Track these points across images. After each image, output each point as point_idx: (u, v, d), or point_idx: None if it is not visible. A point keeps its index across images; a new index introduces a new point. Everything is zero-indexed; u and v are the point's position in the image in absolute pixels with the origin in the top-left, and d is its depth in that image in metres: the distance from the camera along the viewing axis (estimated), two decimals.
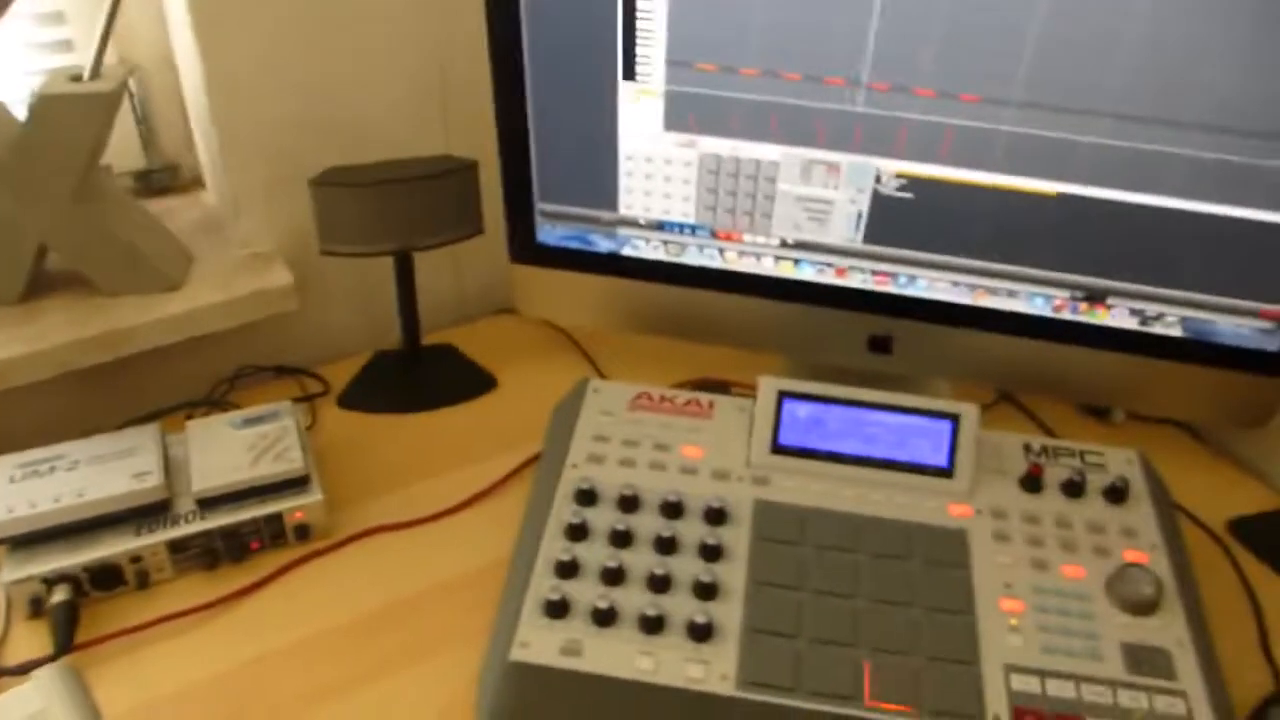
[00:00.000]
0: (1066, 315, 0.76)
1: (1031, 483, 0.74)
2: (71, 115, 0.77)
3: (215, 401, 0.89)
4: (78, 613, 0.70)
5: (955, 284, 0.77)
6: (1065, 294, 0.75)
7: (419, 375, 0.96)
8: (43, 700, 0.54)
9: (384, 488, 0.83)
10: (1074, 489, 0.74)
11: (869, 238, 0.76)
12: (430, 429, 0.90)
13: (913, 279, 0.78)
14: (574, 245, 0.82)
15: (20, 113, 0.79)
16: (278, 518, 0.75)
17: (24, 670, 0.65)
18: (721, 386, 0.93)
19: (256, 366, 0.95)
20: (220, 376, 0.92)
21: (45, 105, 0.76)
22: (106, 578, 0.71)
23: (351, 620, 0.72)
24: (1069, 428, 0.93)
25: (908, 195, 0.73)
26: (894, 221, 0.75)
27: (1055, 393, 0.81)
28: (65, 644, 0.67)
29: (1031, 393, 0.86)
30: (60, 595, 0.69)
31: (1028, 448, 0.77)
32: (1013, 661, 0.64)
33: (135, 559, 0.72)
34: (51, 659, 0.66)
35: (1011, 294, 0.76)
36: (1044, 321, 0.77)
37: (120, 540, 0.72)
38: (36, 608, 0.70)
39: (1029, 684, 0.63)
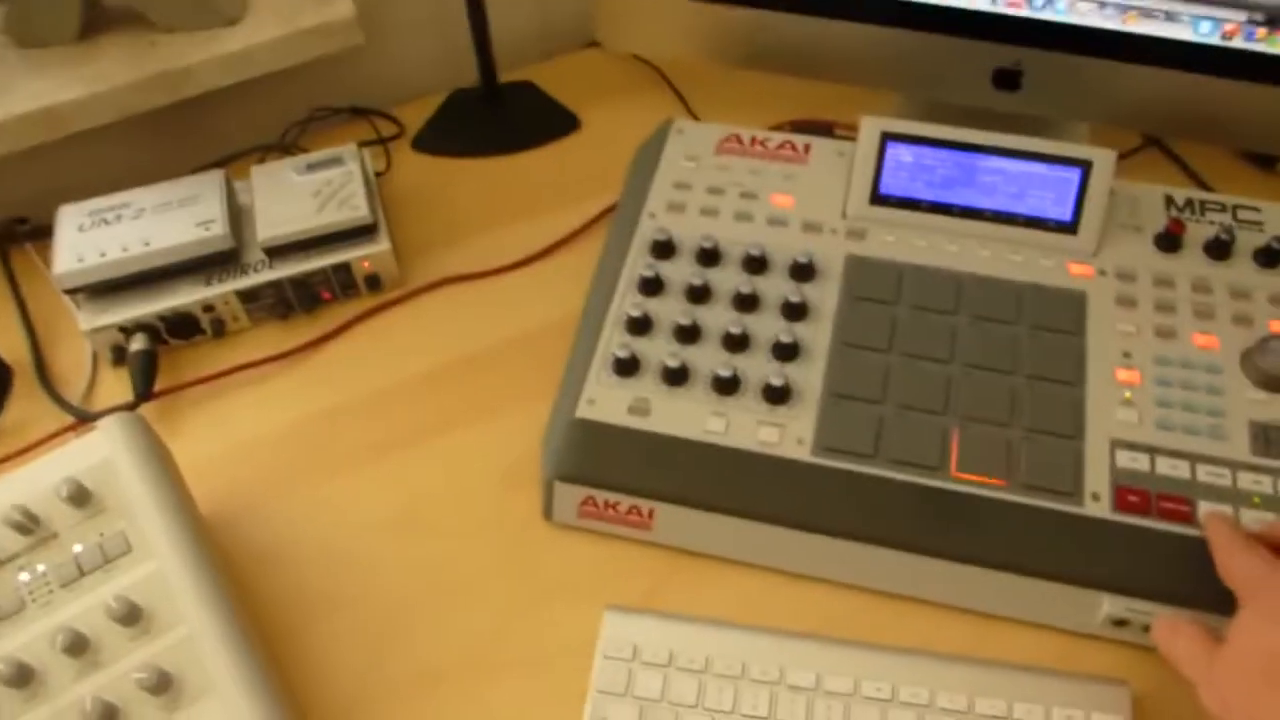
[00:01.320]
0: (1238, 43, 0.65)
1: (1169, 241, 0.66)
2: None
3: (285, 146, 0.87)
4: (156, 360, 0.71)
5: (1102, 5, 0.66)
6: (1241, 16, 0.64)
7: (497, 115, 0.91)
8: (109, 448, 0.56)
9: (458, 236, 0.80)
10: (1219, 249, 0.66)
11: None
12: (508, 173, 0.86)
13: (1051, 0, 0.67)
14: None
15: None
16: (346, 267, 0.74)
17: (124, 409, 0.68)
18: (824, 129, 0.85)
19: (329, 109, 0.91)
20: (291, 120, 0.90)
21: None
22: (183, 326, 0.72)
23: (422, 373, 0.72)
24: (1225, 179, 0.82)
25: None
26: None
27: (1214, 137, 0.71)
28: (144, 391, 0.69)
29: (1185, 137, 0.76)
30: (138, 344, 0.71)
31: (1170, 201, 0.69)
32: (1121, 437, 0.59)
33: (208, 308, 0.72)
34: (132, 406, 0.68)
35: (1171, 17, 0.65)
36: (1209, 51, 0.66)
37: (192, 289, 0.72)
38: (119, 356, 0.72)
39: (1136, 461, 0.58)
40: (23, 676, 0.50)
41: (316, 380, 0.72)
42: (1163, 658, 0.51)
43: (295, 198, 0.74)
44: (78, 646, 0.50)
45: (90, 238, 0.72)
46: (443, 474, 0.66)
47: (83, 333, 0.71)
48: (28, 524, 0.53)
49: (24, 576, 0.53)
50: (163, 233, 0.71)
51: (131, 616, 0.51)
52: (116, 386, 0.72)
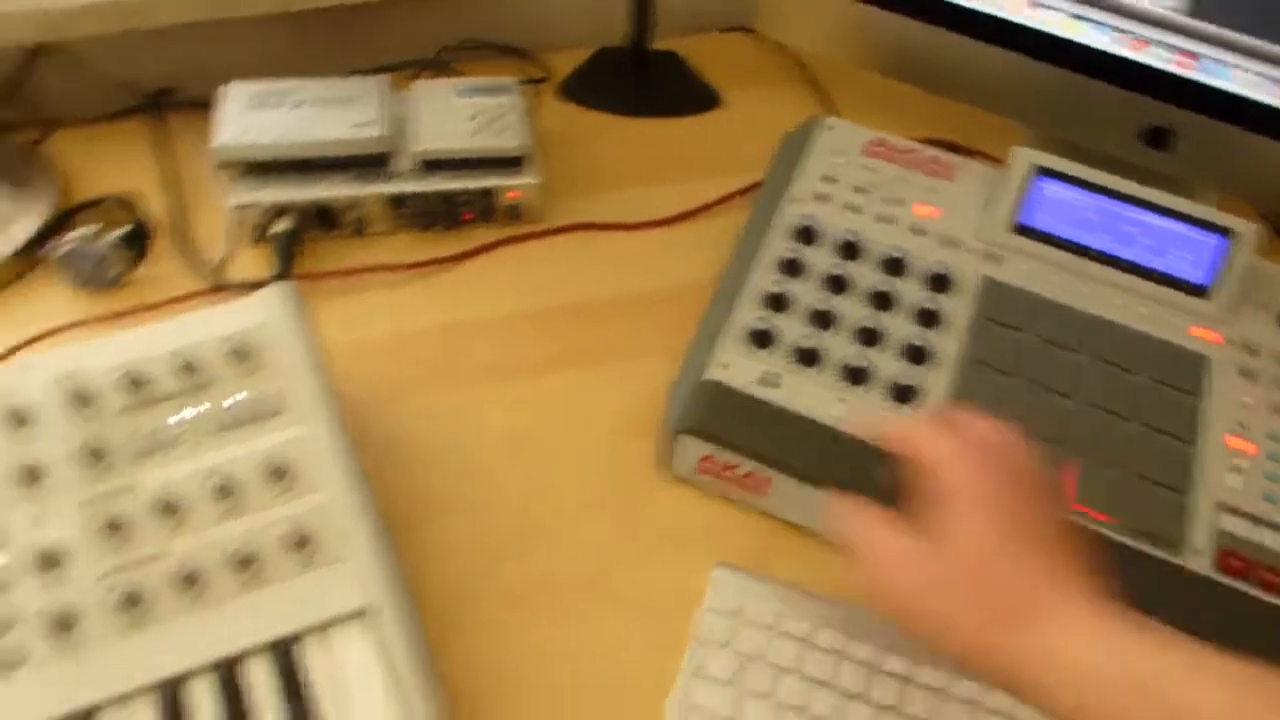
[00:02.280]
0: None
1: None
2: None
3: (439, 64, 0.90)
4: (297, 245, 0.74)
5: (1276, 80, 0.69)
6: None
7: (643, 79, 0.94)
8: (266, 314, 0.58)
9: (595, 186, 0.83)
10: None
11: (1194, 8, 0.68)
12: (647, 136, 0.89)
13: (1221, 66, 0.70)
14: None
15: None
16: (492, 193, 0.76)
17: (248, 288, 0.70)
18: (958, 151, 0.88)
19: (479, 42, 0.94)
20: (442, 44, 0.92)
21: None
22: (325, 219, 0.75)
23: (548, 308, 0.74)
24: None
25: None
26: None
27: None
28: (284, 271, 0.72)
29: None
30: (284, 225, 0.73)
31: None
32: (1227, 501, 0.62)
33: (353, 206, 0.75)
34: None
35: None
36: None
37: (342, 185, 0.75)
38: (259, 234, 0.75)
39: (1241, 527, 0.61)
40: (169, 509, 0.52)
41: (448, 295, 0.74)
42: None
43: (454, 116, 0.77)
44: (225, 490, 0.53)
45: (253, 117, 0.74)
46: (561, 408, 0.68)
47: (229, 207, 0.73)
48: (186, 371, 0.56)
49: (180, 416, 0.55)
50: (322, 125, 0.74)
51: (278, 473, 0.54)
52: (249, 263, 0.75)
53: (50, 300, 0.73)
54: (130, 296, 0.73)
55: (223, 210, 0.76)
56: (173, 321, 0.59)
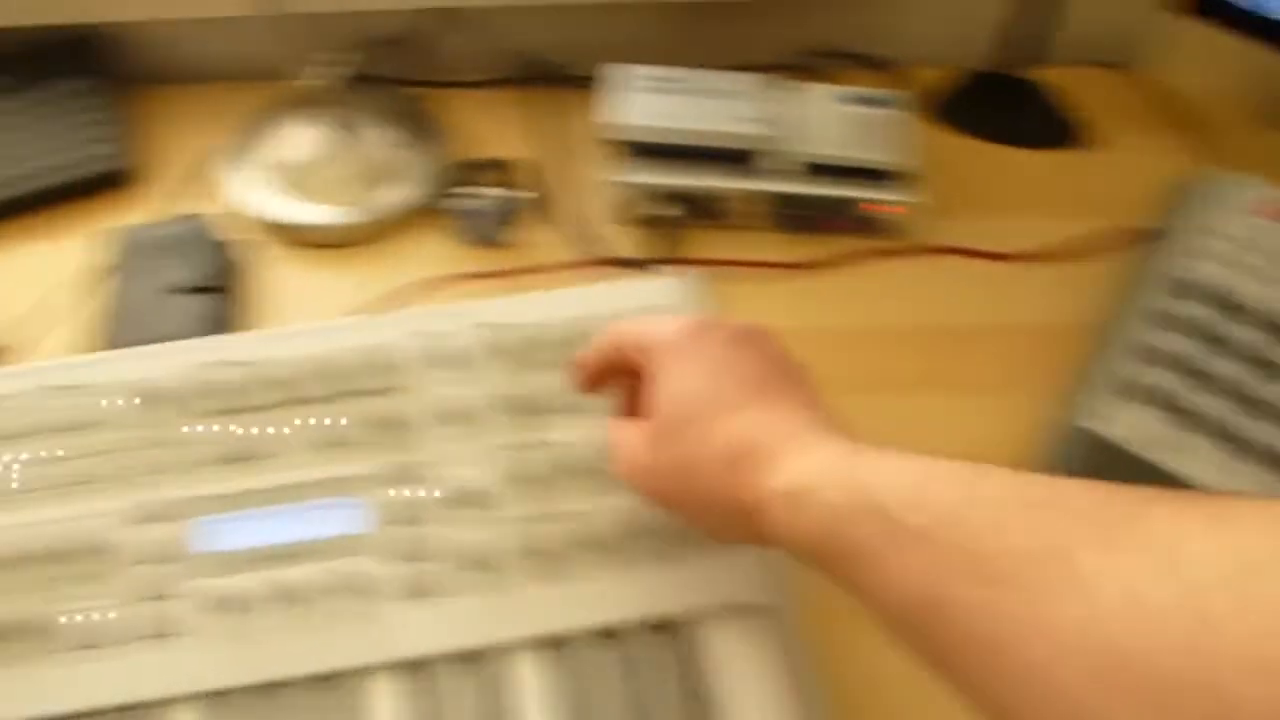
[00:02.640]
0: None
1: None
2: None
3: (801, 68, 0.90)
4: (681, 230, 0.76)
5: None
6: None
7: (1009, 106, 0.91)
8: (670, 297, 0.60)
9: (957, 209, 0.81)
10: None
11: None
12: (1011, 165, 0.87)
13: None
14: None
15: None
16: (868, 204, 0.76)
17: (629, 265, 0.73)
18: None
19: (837, 50, 0.94)
20: (805, 48, 0.93)
21: None
22: (703, 208, 0.77)
23: (912, 327, 0.74)
24: None
25: None
26: None
27: None
28: (670, 254, 0.74)
29: None
30: (670, 209, 0.76)
31: None
32: None
33: (731, 198, 0.76)
34: (641, 265, 0.74)
35: None
36: None
37: (725, 177, 0.76)
38: (637, 215, 0.77)
39: None
40: (584, 470, 0.55)
41: (810, 300, 0.75)
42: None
43: (840, 123, 0.77)
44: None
45: (648, 100, 0.77)
46: (928, 430, 0.66)
47: (615, 183, 0.76)
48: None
49: None
50: (712, 116, 0.76)
51: None
52: (622, 241, 0.77)
53: (434, 250, 0.78)
54: (509, 258, 0.77)
55: (595, 186, 0.79)
56: (579, 290, 0.62)
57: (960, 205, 0.82)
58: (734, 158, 0.77)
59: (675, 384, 0.45)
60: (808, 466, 0.40)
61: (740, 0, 0.84)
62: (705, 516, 0.45)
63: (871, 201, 0.76)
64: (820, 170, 0.76)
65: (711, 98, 0.78)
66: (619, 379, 0.52)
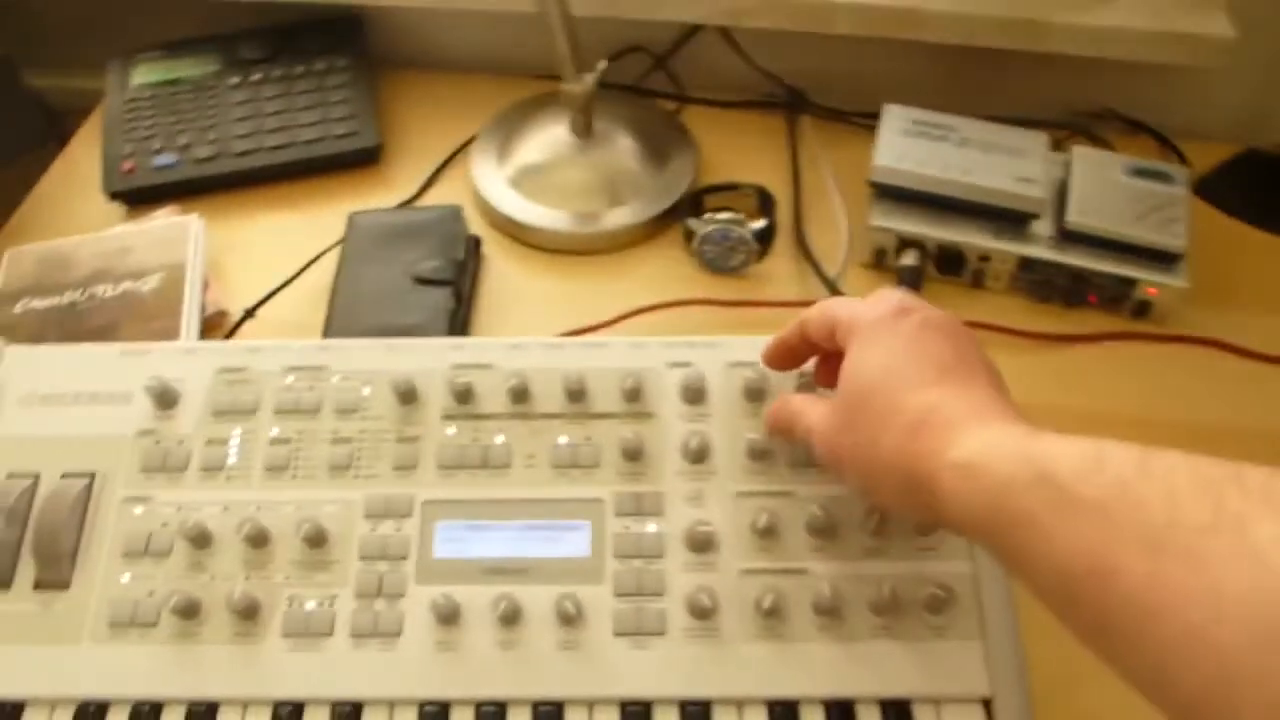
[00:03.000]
0: None
1: None
2: None
3: (1076, 127, 0.86)
4: (921, 281, 0.73)
5: None
6: None
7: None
8: None
9: (1223, 300, 0.76)
10: None
11: None
12: None
13: None
14: None
15: None
16: (1130, 284, 0.72)
17: None
18: None
19: (1115, 113, 0.89)
20: (1081, 109, 0.88)
21: None
22: (949, 262, 0.74)
23: (1162, 420, 0.69)
24: None
25: None
26: None
27: None
28: None
29: None
30: (911, 259, 0.73)
31: None
32: None
33: (983, 258, 0.73)
34: None
35: None
36: None
37: (977, 233, 0.73)
38: (879, 260, 0.75)
39: None
40: (822, 529, 0.53)
41: (1051, 374, 0.71)
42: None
43: (1114, 195, 0.73)
44: (877, 526, 0.52)
45: (913, 145, 0.74)
46: None
47: (868, 226, 0.74)
48: None
49: None
50: (981, 171, 0.73)
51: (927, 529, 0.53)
52: (863, 284, 0.75)
53: (668, 269, 0.77)
54: (744, 289, 0.75)
55: (840, 223, 0.77)
56: None
57: (1226, 295, 0.77)
58: (998, 216, 0.73)
59: (868, 358, 0.46)
60: (983, 440, 0.41)
61: (1016, 50, 0.80)
62: (883, 486, 0.45)
63: (1136, 281, 0.72)
64: (1080, 239, 0.72)
65: (985, 151, 0.74)
66: (813, 355, 0.54)
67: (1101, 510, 0.35)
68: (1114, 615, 0.34)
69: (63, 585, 0.53)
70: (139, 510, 0.55)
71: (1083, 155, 0.76)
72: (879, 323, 0.47)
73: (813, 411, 0.50)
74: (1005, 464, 0.39)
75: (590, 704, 0.50)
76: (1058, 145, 0.78)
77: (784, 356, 0.55)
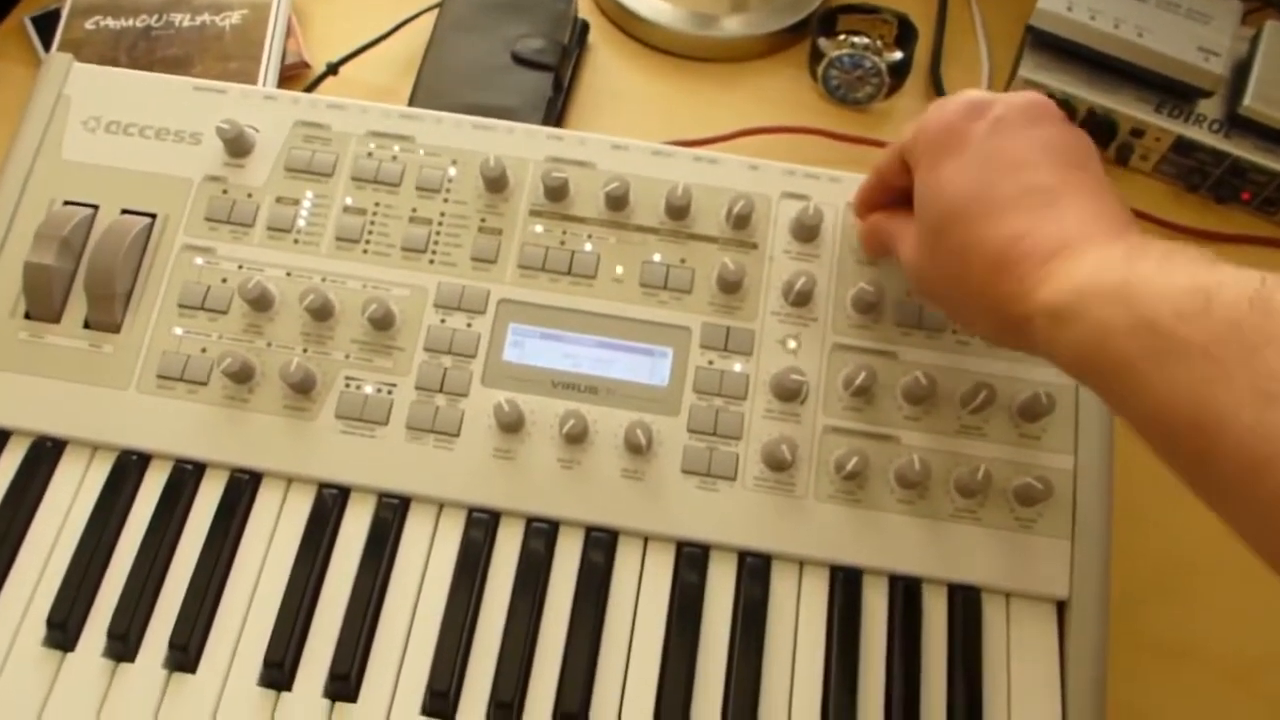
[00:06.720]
0: None
1: None
2: None
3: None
4: None
5: None
6: None
7: None
8: None
9: None
10: None
11: None
12: None
13: None
14: None
15: None
16: None
17: None
18: None
19: None
20: None
21: None
22: (1099, 130, 0.67)
23: None
24: None
25: None
26: None
27: None
28: None
29: None
30: None
31: None
32: None
33: (1136, 131, 0.67)
34: None
35: None
36: None
37: (1135, 103, 0.67)
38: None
39: None
40: (920, 396, 0.50)
41: None
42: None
43: None
44: (978, 402, 0.49)
45: None
46: None
47: (1019, 77, 0.67)
48: None
49: None
50: (1160, 33, 0.66)
51: (1032, 413, 0.50)
52: None
53: (788, 90, 0.71)
54: (866, 123, 0.70)
55: (982, 67, 0.71)
56: None
57: None
58: (1164, 87, 0.66)
59: (936, 181, 0.42)
60: (1074, 278, 0.37)
61: None
62: (977, 325, 0.43)
63: None
64: (1249, 128, 0.65)
65: (1168, 10, 0.67)
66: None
67: (1205, 356, 0.32)
68: (1217, 465, 0.32)
69: (113, 328, 0.51)
70: (199, 261, 0.52)
71: (1276, 33, 0.68)
72: (946, 134, 0.42)
73: (906, 238, 0.45)
74: (1099, 307, 0.35)
75: (646, 538, 0.49)
76: (1247, 17, 0.70)
77: (869, 207, 0.50)
